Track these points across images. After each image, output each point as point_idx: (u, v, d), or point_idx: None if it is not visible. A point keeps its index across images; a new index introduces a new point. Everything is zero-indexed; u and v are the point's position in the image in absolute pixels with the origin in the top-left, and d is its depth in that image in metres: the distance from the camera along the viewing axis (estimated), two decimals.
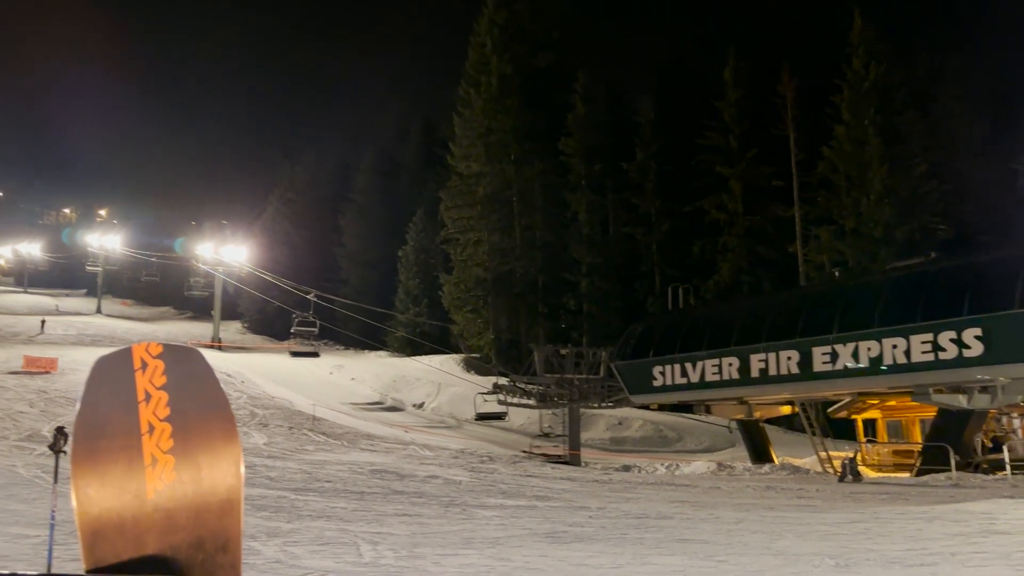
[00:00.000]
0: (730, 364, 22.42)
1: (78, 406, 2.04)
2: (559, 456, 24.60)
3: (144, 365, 2.04)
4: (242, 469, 2.05)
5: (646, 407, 29.99)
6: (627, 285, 40.40)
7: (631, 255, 40.90)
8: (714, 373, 22.71)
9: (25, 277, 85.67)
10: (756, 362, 21.80)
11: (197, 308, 66.20)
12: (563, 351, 27.25)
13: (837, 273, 29.66)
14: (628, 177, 40.28)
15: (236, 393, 31.01)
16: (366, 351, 48.69)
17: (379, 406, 35.12)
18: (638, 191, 40.14)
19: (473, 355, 43.60)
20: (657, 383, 24.02)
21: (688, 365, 23.28)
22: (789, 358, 20.96)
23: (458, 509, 13.43)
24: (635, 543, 10.15)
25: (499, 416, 29.50)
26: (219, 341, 48.26)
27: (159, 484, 1.98)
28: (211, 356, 32.11)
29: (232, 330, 57.15)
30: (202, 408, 2.08)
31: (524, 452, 25.31)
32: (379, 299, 49.35)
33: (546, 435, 27.45)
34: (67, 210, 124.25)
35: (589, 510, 13.43)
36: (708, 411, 26.09)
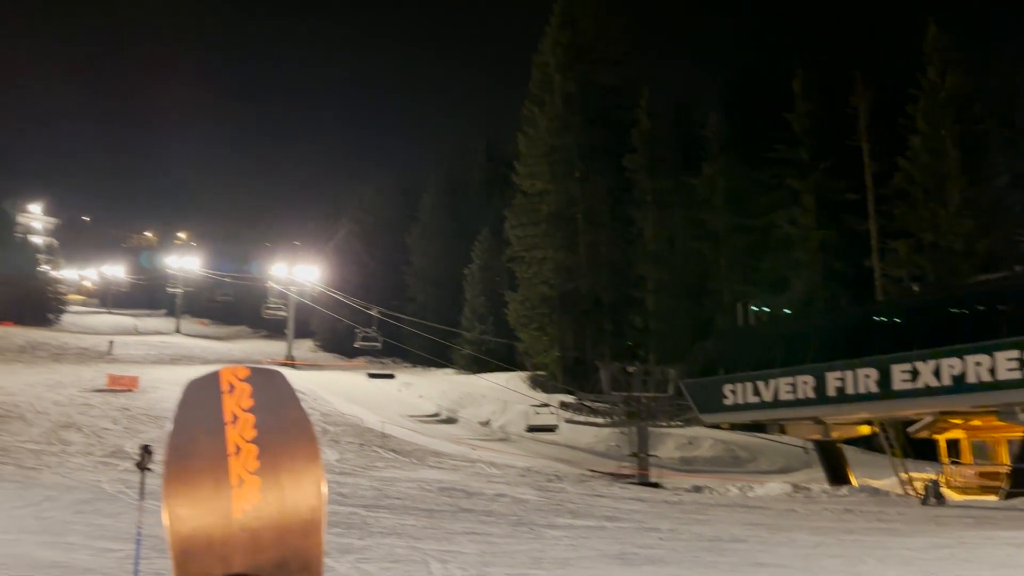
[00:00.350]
0: (805, 383, 21.81)
1: (169, 427, 2.11)
2: (631, 476, 24.28)
3: (231, 388, 2.08)
4: (324, 490, 2.08)
5: (717, 426, 29.40)
6: (695, 302, 39.79)
7: (699, 271, 40.29)
8: (788, 392, 22.12)
9: (109, 298, 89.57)
10: (832, 380, 21.15)
11: (271, 327, 67.94)
12: (630, 369, 26.98)
13: (916, 288, 28.62)
14: (695, 192, 39.78)
15: (309, 410, 31.57)
16: (433, 368, 49.12)
17: (446, 423, 35.33)
18: (706, 206, 39.59)
19: (539, 373, 43.54)
20: (728, 402, 23.53)
21: (760, 384, 22.74)
22: (867, 376, 20.27)
23: (526, 528, 13.39)
24: (708, 567, 9.95)
25: (550, 429, 29.62)
26: (292, 359, 49.38)
27: (245, 504, 2.01)
28: (284, 373, 32.70)
29: (304, 348, 58.43)
30: (287, 429, 2.12)
31: (597, 472, 25.03)
32: (446, 317, 49.80)
33: (635, 455, 27.34)
34: (148, 233, 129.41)
35: (660, 531, 13.23)
36: (782, 431, 25.44)
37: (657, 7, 79.79)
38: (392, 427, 29.49)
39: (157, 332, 63.40)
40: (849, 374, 20.71)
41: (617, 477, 24.12)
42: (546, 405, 32.57)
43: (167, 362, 45.49)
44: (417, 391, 41.08)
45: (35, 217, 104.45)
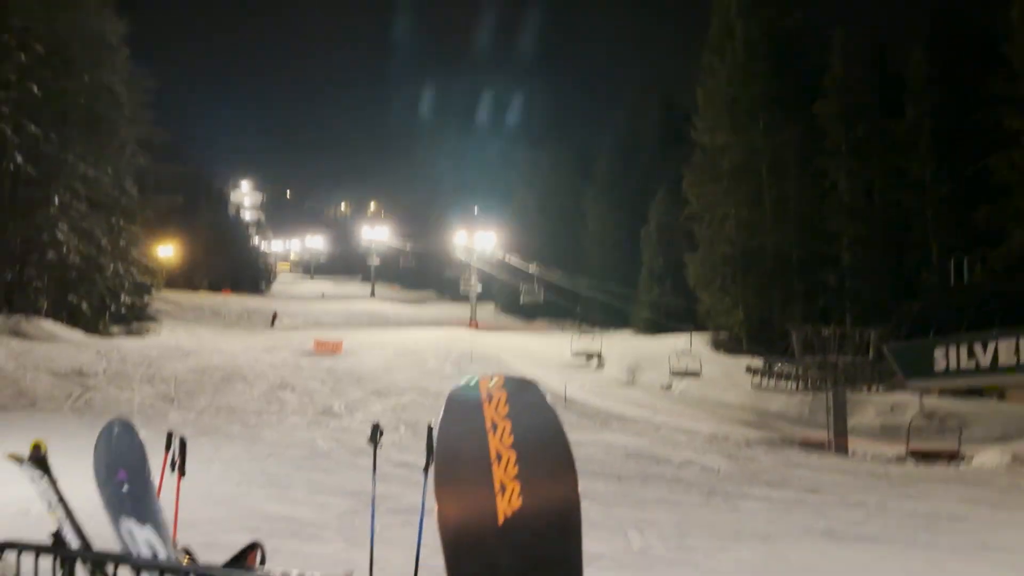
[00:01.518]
0: None
1: (436, 433, 2.23)
2: (826, 444, 23.20)
3: (490, 397, 2.18)
4: (579, 492, 2.12)
5: (925, 392, 27.29)
6: (896, 258, 36.87)
7: (900, 224, 37.22)
8: (1010, 355, 20.06)
9: (312, 266, 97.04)
10: None
11: (455, 291, 70.80)
12: (824, 331, 25.57)
13: None
14: (896, 138, 36.60)
15: (494, 372, 32.72)
16: (610, 331, 49.16)
17: (625, 386, 35.25)
18: (908, 153, 36.33)
19: (721, 335, 42.37)
20: (939, 367, 21.69)
21: (977, 346, 20.76)
22: None
23: (720, 498, 13.14)
24: (926, 547, 9.31)
25: (694, 374, 29.51)
26: (475, 322, 51.19)
27: (508, 509, 2.10)
28: (469, 336, 34.26)
29: (487, 311, 60.34)
30: (541, 436, 2.18)
31: (790, 439, 24.11)
32: (622, 279, 49.53)
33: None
34: (343, 205, 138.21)
35: (866, 506, 12.53)
36: (1001, 396, 23.18)
37: None
38: (573, 390, 29.85)
39: (354, 297, 67.75)
40: None
41: (812, 445, 23.09)
42: (687, 374, 32.91)
43: (365, 326, 48.59)
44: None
45: (245, 194, 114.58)
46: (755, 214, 41.85)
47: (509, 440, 2.18)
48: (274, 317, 43.80)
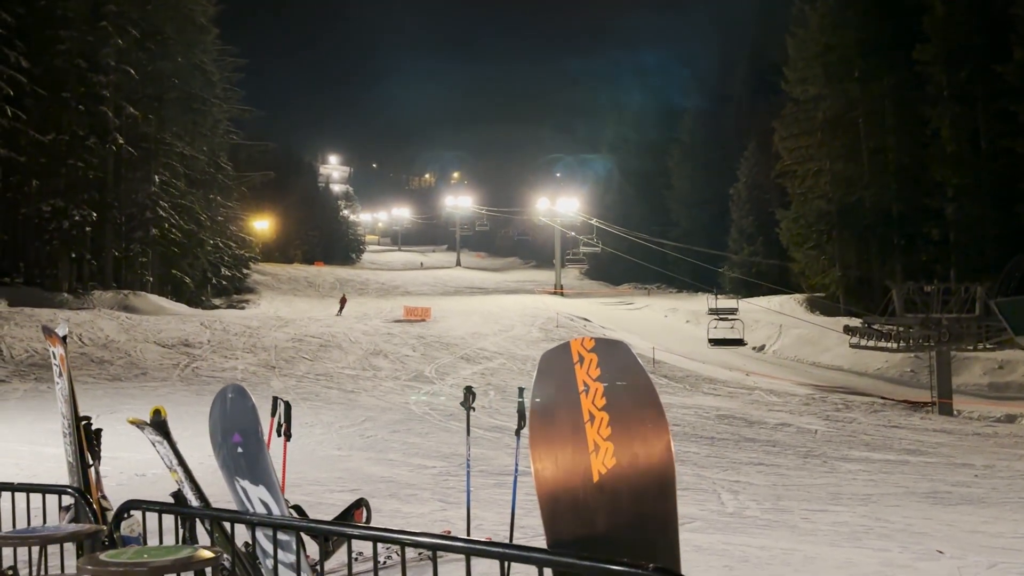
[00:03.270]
0: None
1: (529, 395, 2.29)
2: (928, 404, 22.35)
3: (581, 359, 2.21)
4: (674, 452, 2.14)
5: None
6: (1005, 209, 34.70)
7: (1010, 173, 34.95)
8: None
9: (399, 236, 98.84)
10: None
11: (540, 257, 70.91)
12: (927, 288, 24.46)
13: None
14: (1004, 81, 34.23)
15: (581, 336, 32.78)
16: (699, 293, 48.37)
17: (715, 348, 34.68)
18: (1018, 96, 33.94)
19: (817, 294, 41.07)
20: None
21: None
22: None
23: (818, 461, 12.88)
24: None
25: (737, 343, 28.24)
26: (561, 288, 51.22)
27: (602, 468, 2.14)
28: (554, 302, 34.37)
29: (571, 276, 60.26)
30: (634, 397, 2.20)
31: (890, 400, 23.32)
32: (711, 240, 48.52)
33: (718, 313, 27.00)
34: (427, 175, 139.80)
35: (973, 467, 12.05)
36: None
37: None
38: (662, 352, 29.62)
39: (442, 267, 68.81)
40: None
41: (915, 405, 22.28)
42: (724, 317, 31.41)
43: (451, 293, 49.35)
44: (683, 316, 40.70)
45: (333, 167, 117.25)
46: (851, 167, 40.18)
47: (601, 402, 2.22)
48: (342, 303, 39.07)
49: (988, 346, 24.24)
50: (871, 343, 25.44)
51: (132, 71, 36.65)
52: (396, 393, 21.22)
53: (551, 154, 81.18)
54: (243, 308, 40.64)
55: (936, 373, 23.29)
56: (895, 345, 24.78)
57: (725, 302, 31.43)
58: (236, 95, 48.82)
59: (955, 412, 22.14)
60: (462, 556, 2.31)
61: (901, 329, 24.28)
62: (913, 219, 37.89)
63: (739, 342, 28.99)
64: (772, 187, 45.78)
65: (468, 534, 6.20)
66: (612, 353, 2.25)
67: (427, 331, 31.74)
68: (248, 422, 3.28)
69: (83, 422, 4.54)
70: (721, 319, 31.38)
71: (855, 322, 29.42)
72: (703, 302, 45.03)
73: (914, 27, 37.03)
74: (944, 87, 36.21)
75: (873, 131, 39.40)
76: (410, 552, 5.29)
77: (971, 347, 24.29)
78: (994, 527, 7.90)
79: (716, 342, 29.09)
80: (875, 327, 25.37)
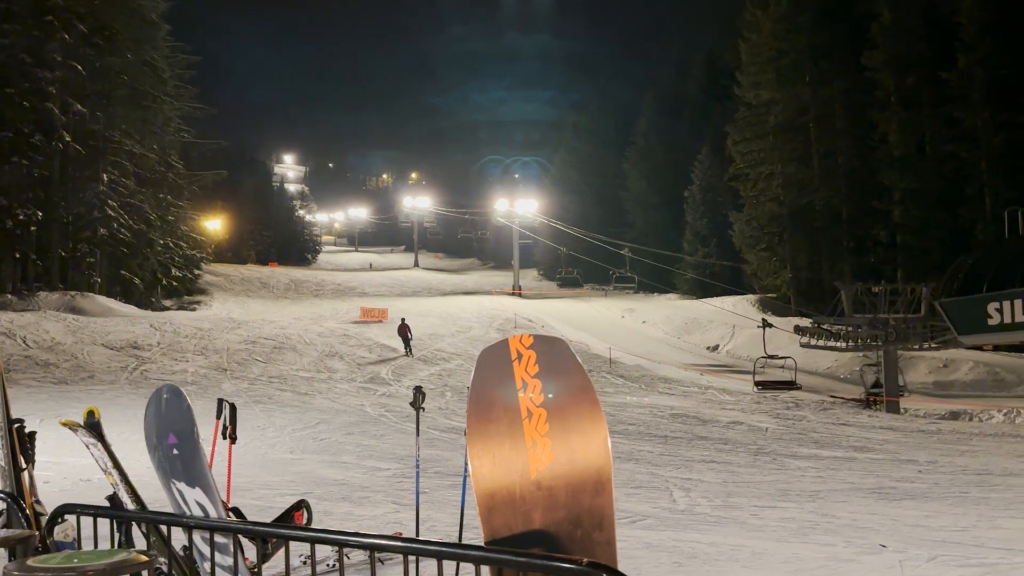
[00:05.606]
0: None
1: (469, 392, 2.28)
2: (783, 381, 23.12)
3: (519, 355, 2.20)
4: (610, 448, 2.14)
5: (978, 348, 26.63)
6: (950, 211, 35.75)
7: (954, 177, 36.03)
8: None
9: (356, 237, 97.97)
10: None
11: (497, 258, 70.96)
12: (874, 288, 25.02)
13: None
14: (948, 88, 35.28)
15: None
16: (655, 294, 48.82)
17: (672, 348, 35.10)
18: (962, 103, 35.04)
19: (769, 295, 41.79)
20: (993, 321, 21.13)
21: None
22: None
23: (768, 458, 13.09)
24: (978, 503, 9.17)
25: (788, 385, 25.11)
26: (519, 289, 51.28)
27: (540, 465, 2.14)
28: (512, 302, 34.30)
29: (529, 277, 60.40)
30: (571, 393, 2.20)
31: (839, 398, 23.79)
32: (666, 241, 49.04)
33: (771, 357, 25.78)
34: (385, 176, 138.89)
35: (918, 463, 12.36)
36: None
37: None
38: (619, 352, 29.84)
39: (399, 267, 68.35)
40: None
41: (861, 404, 22.78)
42: (774, 358, 26.63)
43: (409, 294, 49.06)
44: (640, 317, 41.09)
45: (288, 167, 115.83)
46: (803, 171, 40.95)
47: (540, 398, 2.21)
48: (405, 337, 28.10)
49: (933, 345, 24.87)
50: (821, 342, 25.92)
51: (79, 67, 35.71)
52: (351, 395, 21.03)
53: (510, 155, 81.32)
54: (194, 310, 39.87)
55: (883, 372, 23.85)
56: (844, 344, 25.29)
57: (778, 374, 26.69)
58: (188, 93, 47.83)
59: (902, 410, 22.70)
60: (416, 558, 2.29)
61: (850, 329, 24.79)
62: (862, 221, 38.78)
63: (791, 384, 24.91)
64: (726, 190, 46.44)
65: (417, 535, 6.16)
66: (550, 350, 2.25)
67: (384, 332, 31.51)
68: (184, 423, 3.21)
69: (15, 424, 4.40)
70: (776, 387, 26.85)
71: (805, 322, 29.97)
72: (660, 303, 45.54)
73: (863, 33, 37.93)
74: (892, 92, 37.14)
75: (824, 135, 40.21)
76: (362, 555, 5.23)
77: (917, 346, 24.90)
78: (936, 521, 8.11)
79: (764, 385, 25.50)
80: (824, 327, 25.86)
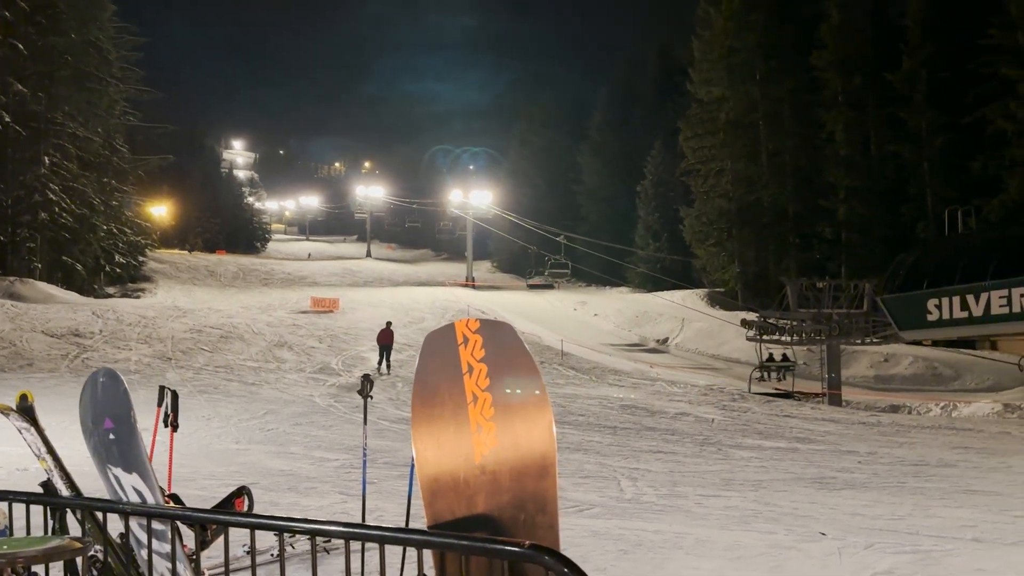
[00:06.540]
0: (1022, 295, 19.76)
1: (414, 377, 2.27)
2: (782, 391, 23.55)
3: (465, 340, 2.19)
4: (554, 433, 2.15)
5: (918, 343, 27.45)
6: (892, 210, 36.74)
7: (897, 176, 37.02)
8: (1002, 305, 20.15)
9: (307, 226, 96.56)
10: None
11: (451, 249, 70.73)
12: (819, 284, 25.59)
13: None
14: (893, 89, 36.20)
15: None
16: (607, 287, 49.23)
17: (623, 341, 35.48)
18: (905, 104, 36.00)
19: (717, 289, 42.47)
20: (932, 317, 21.81)
21: (970, 297, 20.85)
22: None
23: (713, 448, 13.31)
24: (915, 493, 9.46)
25: (787, 367, 25.48)
26: (472, 280, 51.21)
27: (484, 449, 2.14)
28: (465, 294, 34.22)
29: (483, 269, 60.34)
30: (517, 378, 2.20)
31: (781, 390, 24.34)
32: (618, 235, 49.44)
33: (768, 366, 26.08)
34: (337, 164, 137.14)
35: (858, 454, 12.70)
36: (993, 346, 23.39)
37: None
38: (570, 345, 30.03)
39: (352, 257, 67.60)
40: None
41: (806, 397, 23.31)
42: (769, 367, 26.08)
43: (361, 285, 48.62)
44: (592, 310, 41.42)
45: (237, 153, 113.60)
46: (752, 168, 41.62)
47: (485, 383, 2.21)
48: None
49: (874, 340, 25.55)
50: (766, 336, 26.41)
51: (20, 46, 34.49)
52: (300, 385, 20.78)
53: (464, 146, 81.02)
54: (139, 297, 38.91)
55: (826, 365, 24.44)
56: (788, 338, 25.82)
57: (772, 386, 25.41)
58: (134, 75, 46.55)
59: (843, 403, 23.31)
60: (362, 547, 2.27)
61: (794, 323, 25.32)
62: (808, 219, 39.60)
63: (787, 395, 23.65)
64: (677, 185, 46.99)
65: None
66: (497, 334, 2.24)
67: (335, 323, 31.20)
68: (120, 407, 3.13)
69: None
70: (767, 366, 25.48)
71: (752, 316, 30.55)
72: (612, 296, 45.92)
73: (813, 33, 38.67)
74: (839, 92, 37.96)
75: (772, 133, 40.92)
76: (308, 546, 5.17)
77: (859, 341, 25.55)
78: (873, 510, 8.35)
79: (764, 368, 25.63)
80: (770, 321, 26.35)
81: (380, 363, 23.63)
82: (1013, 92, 32.11)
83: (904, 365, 29.08)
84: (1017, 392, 24.40)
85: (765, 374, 26.43)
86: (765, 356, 26.82)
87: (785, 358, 27.12)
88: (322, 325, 30.41)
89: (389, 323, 25.65)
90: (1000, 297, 20.38)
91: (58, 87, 37.66)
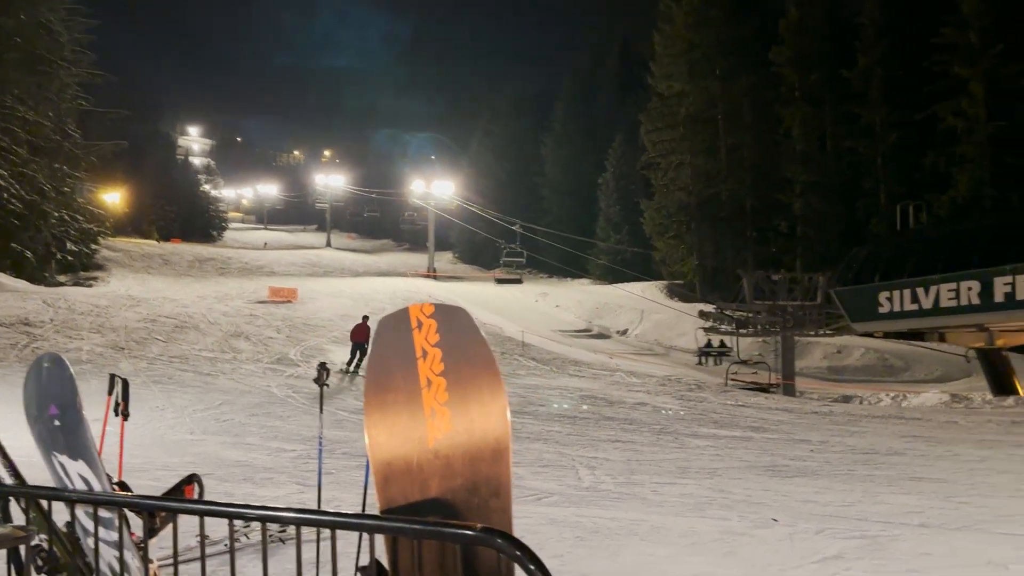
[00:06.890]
0: (969, 288, 20.31)
1: (366, 362, 2.25)
2: (759, 384, 23.85)
3: (420, 324, 2.19)
4: (509, 418, 2.16)
5: (869, 335, 28.09)
6: (847, 205, 37.51)
7: (852, 172, 37.80)
8: (951, 299, 20.71)
9: (265, 215, 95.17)
10: (1001, 286, 19.58)
11: (413, 240, 70.33)
12: (775, 277, 26.05)
13: None
14: (849, 86, 36.91)
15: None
16: (568, 279, 49.44)
17: (584, 333, 35.70)
18: (860, 100, 36.72)
19: (676, 282, 42.96)
20: (883, 310, 22.34)
21: (920, 290, 21.39)
22: None
23: (670, 437, 13.48)
24: (864, 480, 9.69)
25: (723, 352, 28.00)
26: (434, 271, 51.02)
27: (438, 434, 2.14)
28: (426, 285, 34.06)
29: (444, 260, 60.13)
30: (472, 363, 2.20)
31: (737, 381, 24.72)
32: (580, 227, 49.67)
33: (743, 362, 26.46)
34: (296, 152, 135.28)
35: (810, 443, 12.95)
36: (942, 338, 24.00)
37: None
38: (532, 336, 30.11)
39: (311, 247, 66.84)
40: (1021, 279, 19.11)
41: (761, 387, 23.72)
42: (714, 326, 28.33)
43: (320, 275, 48.12)
44: (553, 301, 41.59)
45: (193, 140, 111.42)
46: (711, 162, 42.10)
47: (439, 367, 2.21)
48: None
49: (827, 332, 26.09)
50: (723, 327, 26.81)
51: None
52: (257, 376, 20.52)
53: (427, 135, 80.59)
54: (91, 286, 38.00)
55: (780, 356, 24.89)
56: (745, 330, 26.24)
57: (718, 335, 27.98)
58: (87, 58, 45.30)
59: (797, 392, 23.77)
60: (316, 536, 2.25)
61: (750, 315, 25.73)
62: (765, 213, 40.24)
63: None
64: (638, 178, 47.34)
65: None
66: (451, 319, 2.24)
67: (293, 313, 30.84)
68: (66, 393, 3.06)
69: None
70: (706, 351, 28.83)
71: (709, 308, 30.97)
72: (573, 287, 46.12)
73: (772, 29, 39.20)
74: (796, 88, 38.57)
75: (731, 128, 41.43)
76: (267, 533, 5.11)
77: (812, 332, 26.06)
78: (824, 497, 8.53)
79: (704, 352, 28.59)
80: (727, 313, 26.74)
81: (351, 362, 21.07)
82: (964, 90, 32.96)
83: (856, 356, 29.76)
84: (964, 383, 25.14)
85: (703, 359, 28.81)
86: (703, 343, 28.47)
87: (723, 344, 28.23)
88: (280, 315, 30.05)
89: (366, 317, 22.35)
90: (949, 290, 20.94)
91: (7, 70, 36.51)
